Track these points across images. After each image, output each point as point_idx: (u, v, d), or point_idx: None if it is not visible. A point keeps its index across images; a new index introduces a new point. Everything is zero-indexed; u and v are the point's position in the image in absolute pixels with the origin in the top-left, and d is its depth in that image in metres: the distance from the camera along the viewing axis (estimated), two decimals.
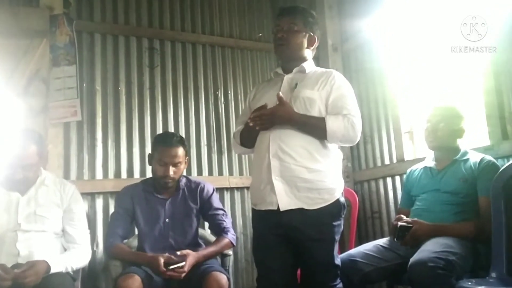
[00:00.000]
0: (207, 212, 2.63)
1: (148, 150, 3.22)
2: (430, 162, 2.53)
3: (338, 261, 2.05)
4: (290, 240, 2.02)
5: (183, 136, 3.32)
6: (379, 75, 3.52)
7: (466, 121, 2.48)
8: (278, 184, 1.98)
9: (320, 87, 2.09)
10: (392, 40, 3.43)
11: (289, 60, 2.20)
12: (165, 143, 2.50)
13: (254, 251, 2.19)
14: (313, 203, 1.98)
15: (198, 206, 2.62)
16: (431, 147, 2.51)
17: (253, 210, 2.16)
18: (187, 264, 2.28)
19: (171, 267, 2.25)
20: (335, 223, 2.02)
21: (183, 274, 2.26)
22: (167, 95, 3.41)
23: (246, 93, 3.53)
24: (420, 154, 3.23)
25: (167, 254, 2.31)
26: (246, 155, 3.54)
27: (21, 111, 2.86)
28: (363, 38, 3.67)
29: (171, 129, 3.37)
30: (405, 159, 3.29)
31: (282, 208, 1.97)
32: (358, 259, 2.25)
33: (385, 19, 3.40)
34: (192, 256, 2.34)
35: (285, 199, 1.97)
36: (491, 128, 2.64)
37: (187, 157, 2.60)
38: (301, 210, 1.97)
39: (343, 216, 2.08)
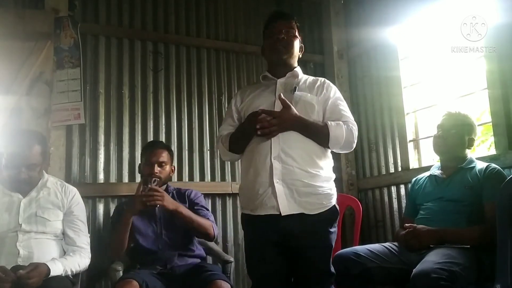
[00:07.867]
0: (192, 207, 2.65)
1: None
2: (435, 170, 2.51)
3: (333, 269, 2.02)
4: (286, 247, 1.98)
5: (186, 140, 3.37)
6: (384, 82, 3.51)
7: (477, 132, 2.48)
8: (280, 188, 1.94)
9: (317, 93, 2.11)
10: (398, 47, 3.41)
11: (283, 64, 2.17)
12: (151, 146, 2.77)
13: (248, 259, 2.15)
14: (313, 208, 1.96)
15: (187, 205, 2.64)
16: (439, 152, 2.48)
17: (247, 216, 2.08)
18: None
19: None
20: (331, 230, 2.01)
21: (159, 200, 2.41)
22: (171, 99, 3.39)
23: None
24: (426, 163, 3.20)
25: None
26: None
27: (24, 113, 2.84)
28: (369, 45, 3.66)
29: (174, 133, 3.35)
30: (410, 168, 3.26)
31: (283, 213, 1.93)
32: (362, 253, 2.25)
33: (391, 25, 3.39)
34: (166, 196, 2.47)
35: (286, 204, 1.94)
36: (498, 137, 2.62)
37: (173, 165, 2.81)
38: (301, 215, 1.94)
39: (337, 223, 2.06)
